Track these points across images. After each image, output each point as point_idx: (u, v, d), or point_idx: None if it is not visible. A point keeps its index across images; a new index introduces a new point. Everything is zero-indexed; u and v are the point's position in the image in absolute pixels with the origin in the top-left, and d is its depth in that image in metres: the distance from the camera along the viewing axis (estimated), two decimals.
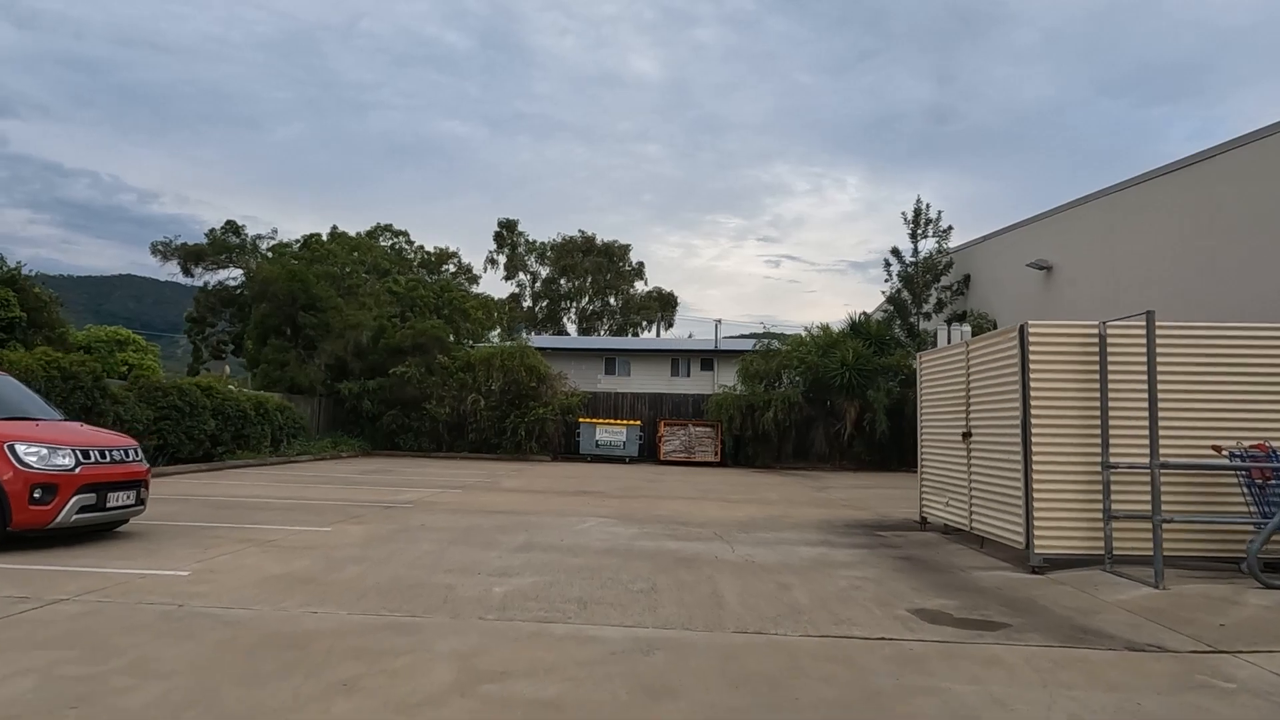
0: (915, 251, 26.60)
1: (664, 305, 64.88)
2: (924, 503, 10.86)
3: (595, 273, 62.36)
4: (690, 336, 55.93)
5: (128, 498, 8.07)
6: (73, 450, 7.58)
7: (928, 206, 26.47)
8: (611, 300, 63.75)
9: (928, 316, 26.42)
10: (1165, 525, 7.10)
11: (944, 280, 26.44)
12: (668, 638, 5.10)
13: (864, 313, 27.90)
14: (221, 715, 3.62)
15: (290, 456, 21.41)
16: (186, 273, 33.43)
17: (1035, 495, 7.67)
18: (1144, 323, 7.43)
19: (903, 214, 26.86)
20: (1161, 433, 7.16)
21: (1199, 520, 7.49)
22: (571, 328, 62.10)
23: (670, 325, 65.24)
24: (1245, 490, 7.47)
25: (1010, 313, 22.87)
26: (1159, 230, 18.11)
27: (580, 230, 65.12)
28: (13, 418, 7.92)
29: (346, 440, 25.54)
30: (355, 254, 35.20)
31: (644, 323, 63.60)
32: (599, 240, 63.49)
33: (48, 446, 7.44)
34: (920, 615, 5.89)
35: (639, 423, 26.13)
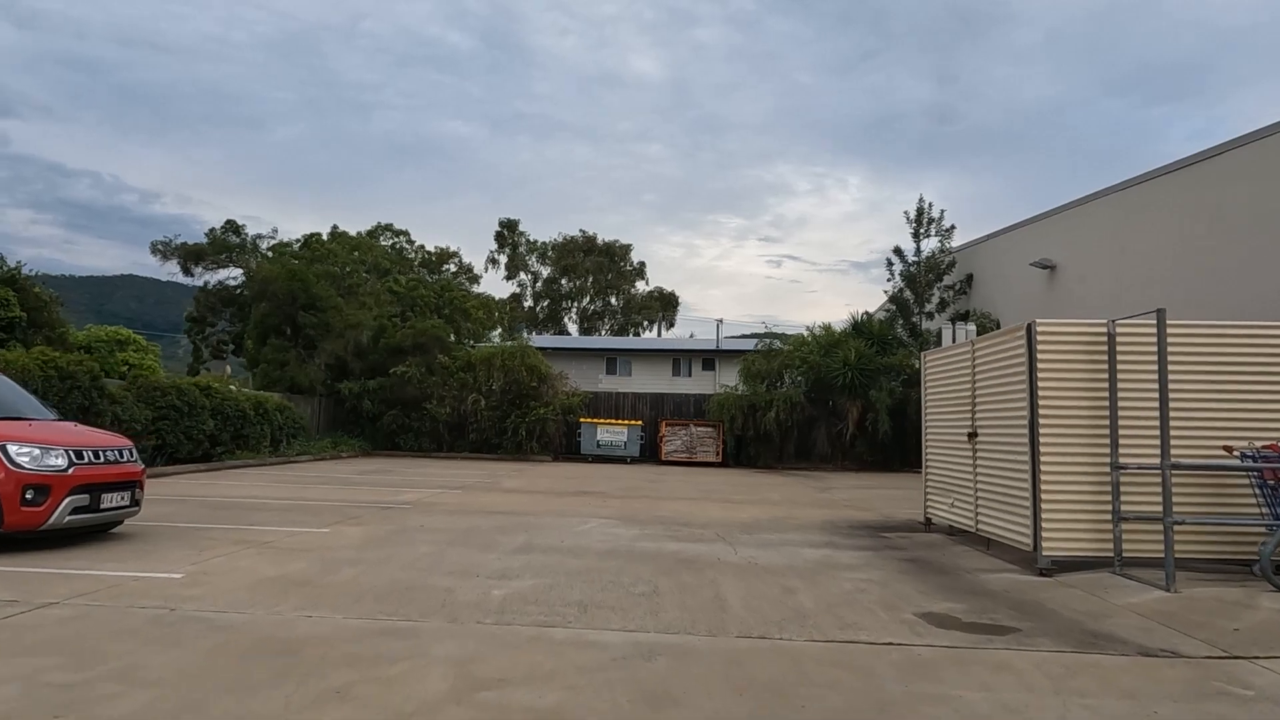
0: (918, 251, 26.50)
1: (665, 305, 64.76)
2: (928, 504, 10.73)
3: (596, 272, 62.25)
4: (691, 336, 55.84)
5: (122, 499, 7.95)
6: (66, 451, 7.47)
7: (930, 205, 26.38)
8: (613, 300, 63.64)
9: (930, 316, 26.29)
10: (1175, 527, 6.98)
11: (946, 279, 26.31)
12: (670, 643, 4.98)
13: (866, 312, 27.76)
14: None
15: (290, 457, 21.30)
16: (186, 272, 33.34)
17: (1043, 496, 7.55)
18: (1154, 321, 7.30)
19: (905, 213, 26.78)
20: (1171, 433, 7.03)
21: (1211, 522, 7.36)
22: (573, 327, 62.00)
23: (671, 325, 65.18)
24: (1257, 491, 7.33)
25: (1013, 312, 22.73)
26: (1163, 229, 17.97)
27: (581, 230, 65.14)
28: (6, 418, 7.81)
29: (347, 440, 25.43)
30: (356, 253, 35.09)
31: (645, 323, 63.48)
32: (600, 240, 63.42)
33: (40, 447, 7.33)
34: (928, 619, 5.77)
35: (640, 423, 26.00)
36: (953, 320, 17.55)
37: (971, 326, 11.26)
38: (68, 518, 7.35)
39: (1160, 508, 7.13)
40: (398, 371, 26.01)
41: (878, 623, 5.60)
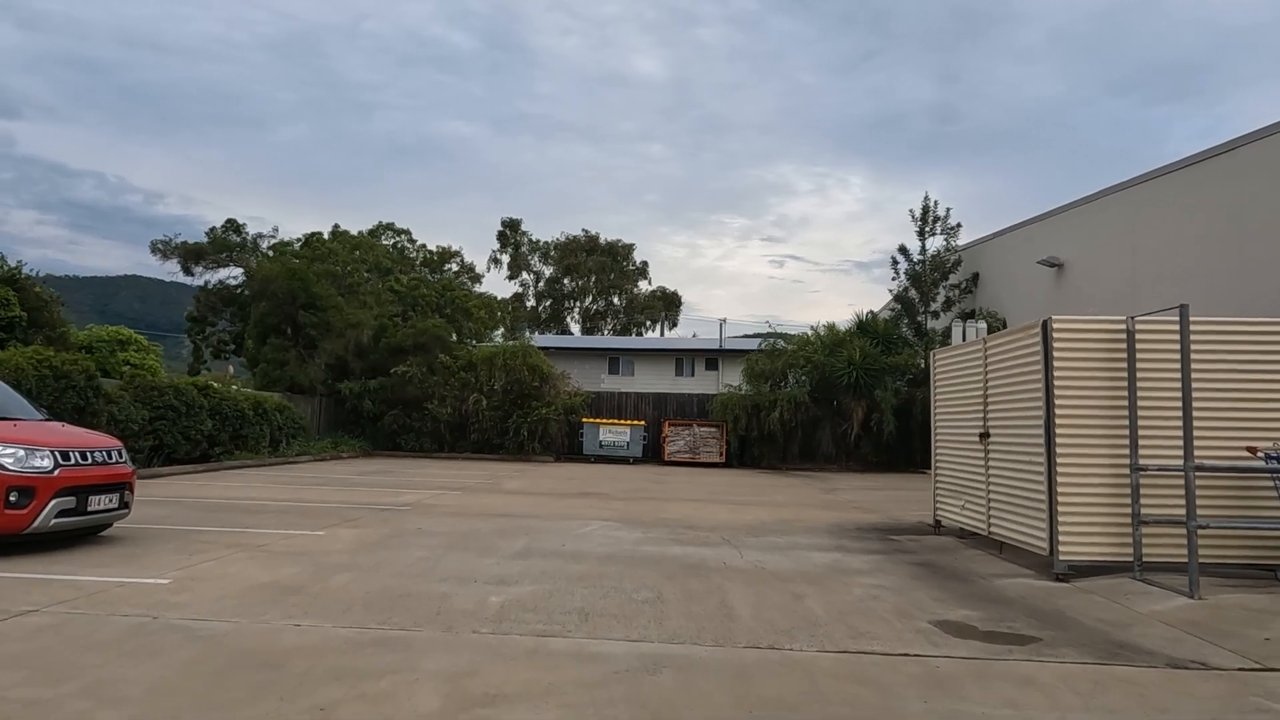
0: (923, 249, 26.15)
1: (668, 305, 64.48)
2: (938, 506, 10.48)
3: (599, 272, 61.99)
4: (695, 336, 55.52)
5: (110, 501, 7.73)
6: (52, 452, 7.24)
7: (936, 204, 26.03)
8: (615, 300, 63.37)
9: (935, 315, 26.01)
10: (1198, 531, 6.72)
11: (952, 278, 26.01)
12: (675, 654, 4.74)
13: (871, 311, 27.48)
14: None
15: (289, 457, 21.09)
16: (187, 271, 33.14)
17: (1059, 499, 7.30)
18: (1174, 318, 7.05)
19: (910, 211, 26.51)
20: (1193, 433, 6.77)
21: (1237, 526, 7.10)
22: (575, 327, 61.75)
23: (674, 325, 64.87)
24: None
25: (1020, 311, 22.46)
26: (1175, 226, 17.68)
27: (584, 230, 64.85)
28: None
29: (347, 440, 25.22)
30: (357, 253, 34.88)
31: (648, 322, 63.21)
32: (603, 240, 63.17)
33: (25, 448, 7.10)
34: (943, 628, 5.52)
35: (643, 423, 25.76)
36: (963, 317, 17.25)
37: (982, 324, 11.01)
38: (53, 521, 7.13)
39: (1181, 511, 6.90)
40: (399, 371, 25.79)
41: (892, 632, 5.36)
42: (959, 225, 25.98)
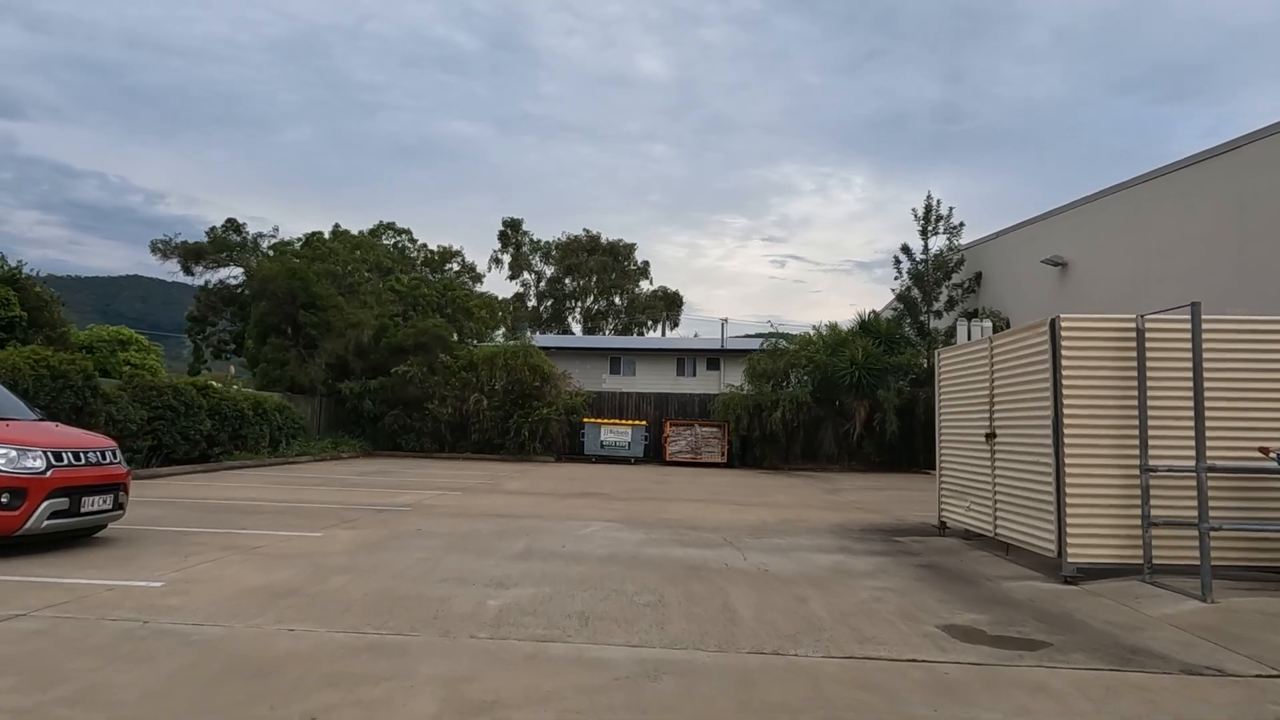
0: (926, 249, 26.03)
1: (669, 305, 64.37)
2: (943, 507, 10.36)
3: (600, 272, 61.89)
4: (696, 336, 55.42)
5: (104, 502, 7.63)
6: (44, 452, 7.14)
7: (939, 203, 25.91)
8: (616, 300, 63.27)
9: (938, 315, 25.89)
10: (1209, 533, 6.60)
11: (955, 278, 25.88)
12: (677, 659, 4.63)
13: (873, 311, 27.38)
14: None
15: (289, 457, 20.99)
16: (187, 271, 33.08)
17: (1068, 500, 7.18)
18: (1184, 316, 6.94)
19: (913, 210, 26.36)
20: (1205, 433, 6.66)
21: (1250, 528, 6.98)
22: (576, 327, 61.65)
23: (676, 325, 64.76)
24: None
25: (1023, 310, 22.34)
26: (1181, 225, 17.56)
27: (585, 229, 64.74)
28: None
29: (348, 441, 25.12)
30: (357, 252, 34.82)
31: (649, 322, 63.09)
32: (604, 239, 63.06)
33: (17, 448, 7.00)
34: (951, 632, 5.41)
35: (644, 423, 25.65)
36: (967, 316, 17.09)
37: (987, 323, 10.87)
38: (45, 522, 7.03)
39: (1191, 512, 6.80)
40: (399, 371, 25.70)
41: (898, 636, 5.25)
42: (962, 224, 25.89)
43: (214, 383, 21.01)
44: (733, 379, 30.09)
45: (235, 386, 22.21)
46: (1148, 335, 7.17)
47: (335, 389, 26.29)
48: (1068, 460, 7.21)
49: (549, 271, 62.63)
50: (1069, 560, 7.15)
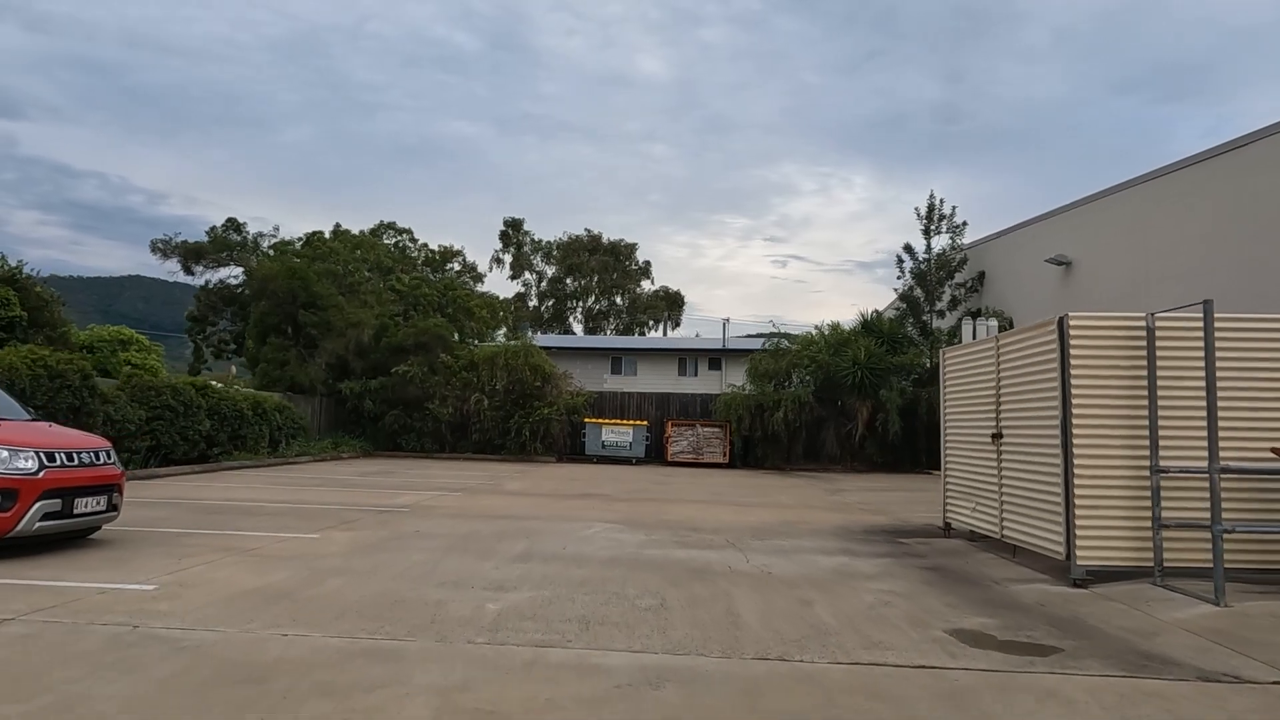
0: (928, 248, 25.90)
1: (671, 305, 64.18)
2: (948, 508, 10.23)
3: (601, 272, 61.73)
4: (697, 336, 55.27)
5: (98, 503, 7.51)
6: (36, 453, 7.03)
7: (941, 202, 25.76)
8: (618, 299, 63.09)
9: (941, 314, 25.75)
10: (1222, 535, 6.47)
11: (958, 277, 25.75)
12: (679, 666, 4.51)
13: (876, 310, 27.24)
14: None
15: (289, 458, 20.89)
16: (187, 271, 32.96)
17: (1077, 502, 7.05)
18: (1196, 315, 6.81)
19: (915, 209, 26.22)
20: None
21: (1264, 530, 6.85)
22: (578, 327, 61.51)
23: (677, 325, 64.56)
24: None
25: (1026, 309, 22.22)
26: (1186, 223, 17.43)
27: (586, 229, 64.59)
28: None
29: (348, 441, 25.01)
30: (358, 252, 34.70)
31: (650, 322, 62.91)
32: (605, 239, 62.87)
33: (8, 449, 6.89)
34: (959, 637, 5.29)
35: (646, 423, 25.53)
36: (972, 315, 16.99)
37: (993, 322, 10.78)
38: (37, 524, 6.91)
39: (1202, 514, 6.67)
40: (400, 371, 25.59)
41: (907, 641, 5.12)
42: (964, 223, 25.74)
43: (215, 383, 20.92)
44: (734, 379, 29.95)
45: (236, 386, 22.12)
46: (1158, 334, 7.04)
47: (335, 389, 26.19)
48: (1076, 461, 7.08)
49: (550, 271, 62.48)
50: (1078, 563, 7.02)
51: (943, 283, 25.68)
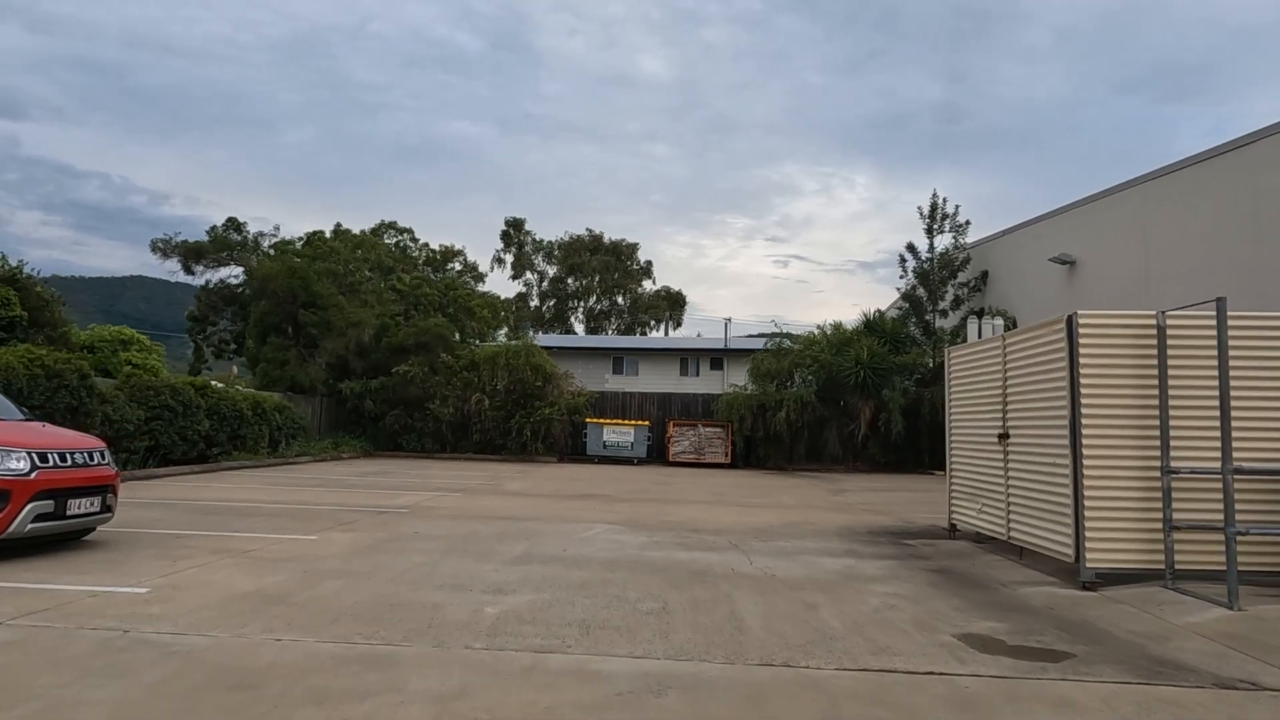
0: (931, 247, 25.76)
1: (672, 304, 64.03)
2: (953, 509, 10.11)
3: (603, 272, 61.60)
4: (699, 336, 55.14)
5: (91, 505, 7.40)
6: (29, 454, 6.92)
7: (944, 201, 25.64)
8: (619, 299, 62.96)
9: (944, 314, 25.62)
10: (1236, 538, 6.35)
11: (961, 276, 25.61)
12: (682, 672, 4.40)
13: (878, 310, 27.10)
14: None
15: (289, 458, 20.79)
16: (187, 270, 32.86)
17: (1086, 503, 6.93)
18: (1208, 313, 6.70)
19: (919, 208, 26.08)
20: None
21: (1278, 532, 6.72)
22: (579, 327, 61.39)
23: (679, 325, 64.41)
24: None
25: (1030, 309, 22.07)
26: (1187, 223, 17.30)
27: (588, 229, 64.44)
28: None
29: (348, 441, 24.91)
30: (359, 251, 34.61)
31: (652, 322, 62.78)
32: (607, 239, 62.75)
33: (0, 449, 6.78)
34: (968, 642, 5.17)
35: (647, 423, 25.42)
36: (977, 314, 16.83)
37: (999, 321, 10.65)
38: (29, 526, 6.80)
39: (1214, 515, 6.56)
40: (400, 371, 25.49)
41: (914, 646, 5.00)
42: (968, 222, 25.60)
43: (216, 383, 20.83)
44: (736, 379, 29.83)
45: (238, 386, 22.02)
46: (1169, 332, 6.92)
47: (336, 389, 26.09)
48: (1086, 462, 6.96)
49: (552, 271, 62.35)
50: (1087, 565, 6.90)
51: (945, 282, 25.55)
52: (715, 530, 10.12)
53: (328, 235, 36.10)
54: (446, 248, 43.33)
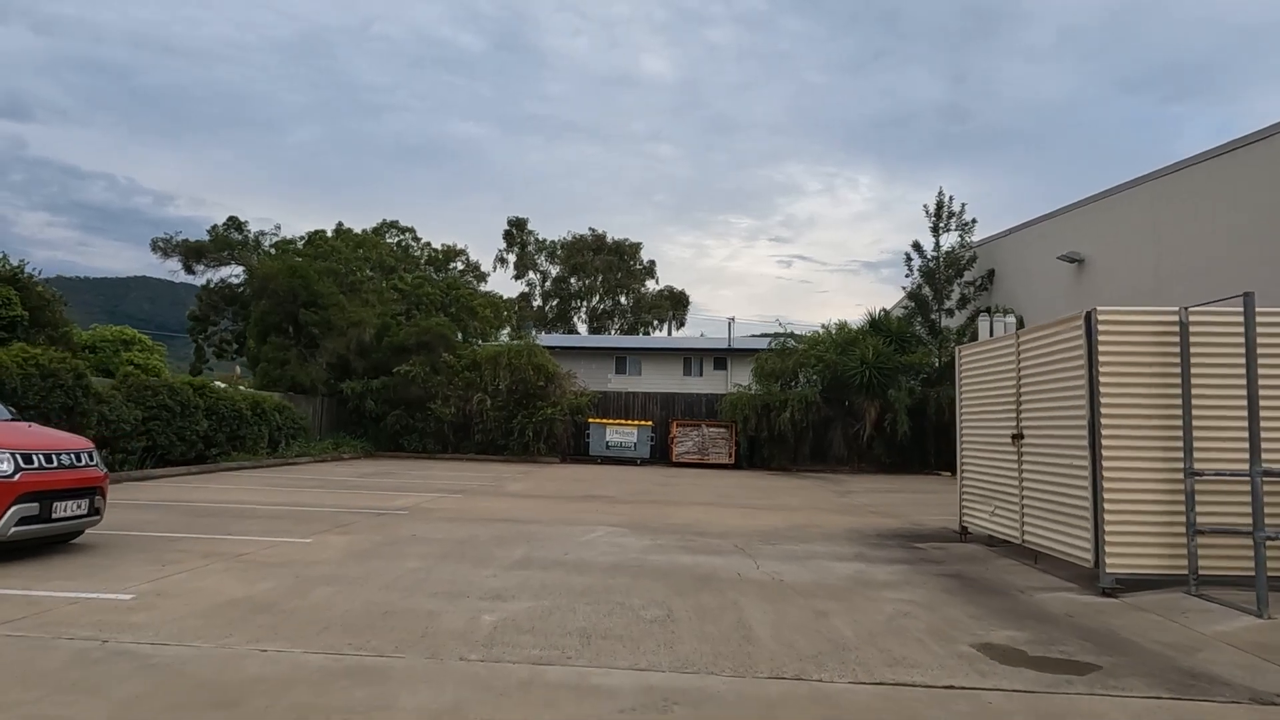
0: (937, 246, 25.47)
1: (675, 304, 63.74)
2: (965, 511, 9.86)
3: (606, 271, 61.33)
4: (702, 336, 54.86)
5: (78, 507, 7.19)
6: (12, 455, 6.71)
7: (950, 199, 25.34)
8: (622, 299, 62.71)
9: (950, 313, 25.35)
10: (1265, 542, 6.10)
11: (967, 275, 25.33)
12: (688, 686, 4.16)
13: (884, 309, 26.83)
14: None
15: (289, 458, 20.58)
16: (188, 269, 32.63)
17: (1106, 506, 6.68)
18: (1235, 309, 6.45)
19: (924, 207, 25.79)
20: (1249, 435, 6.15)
21: None
22: (582, 327, 61.15)
23: (682, 325, 64.11)
24: None
25: (1037, 307, 21.79)
26: (1199, 220, 17.01)
27: (591, 229, 64.14)
28: None
29: (349, 441, 24.70)
30: (360, 251, 34.43)
31: (655, 322, 62.50)
32: (610, 239, 62.47)
33: None
34: (988, 652, 4.93)
35: (650, 423, 25.19)
36: (988, 312, 16.56)
37: (1011, 319, 10.42)
38: (13, 529, 6.59)
39: (1239, 519, 6.32)
40: (402, 370, 25.28)
41: (932, 658, 4.76)
42: (974, 221, 25.27)
43: (218, 383, 20.63)
44: (740, 379, 29.59)
45: (240, 387, 21.84)
46: (1192, 329, 6.67)
47: (337, 389, 25.88)
48: (1106, 463, 6.71)
49: (554, 271, 62.09)
50: (1107, 570, 6.65)
51: (951, 281, 25.27)
52: (720, 533, 9.89)
53: (329, 234, 35.91)
54: (449, 247, 43.13)
